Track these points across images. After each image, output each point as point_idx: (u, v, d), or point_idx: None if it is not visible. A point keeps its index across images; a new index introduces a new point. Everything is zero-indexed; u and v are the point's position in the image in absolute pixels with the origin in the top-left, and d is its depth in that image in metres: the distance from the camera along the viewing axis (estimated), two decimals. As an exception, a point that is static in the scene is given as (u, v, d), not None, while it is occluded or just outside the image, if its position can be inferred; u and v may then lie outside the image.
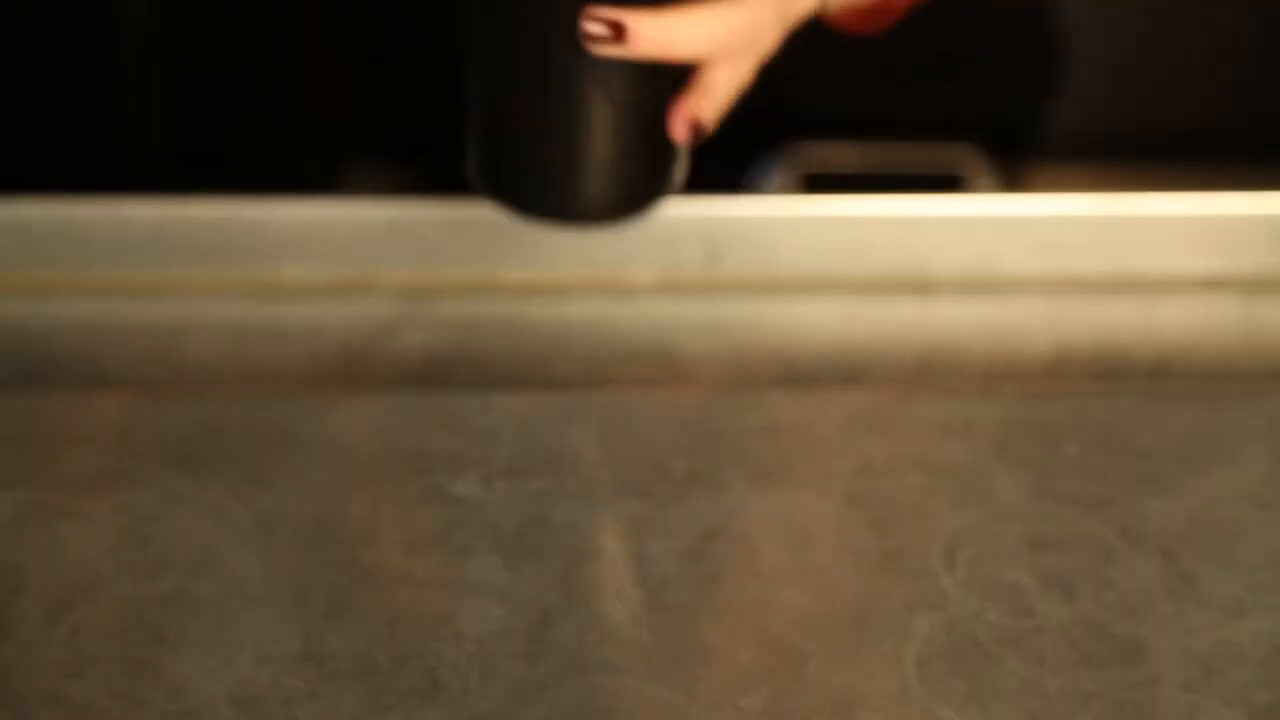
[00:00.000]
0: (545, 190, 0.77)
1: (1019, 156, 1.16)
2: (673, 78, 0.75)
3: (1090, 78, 1.21)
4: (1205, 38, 1.24)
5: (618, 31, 0.71)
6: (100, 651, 0.70)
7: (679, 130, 0.74)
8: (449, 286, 0.89)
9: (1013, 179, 1.15)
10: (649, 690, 0.68)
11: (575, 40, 0.72)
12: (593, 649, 0.70)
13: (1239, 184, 0.90)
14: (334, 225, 0.90)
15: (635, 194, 0.77)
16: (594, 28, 0.71)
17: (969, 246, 0.89)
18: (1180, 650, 0.70)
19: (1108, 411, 0.79)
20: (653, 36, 0.71)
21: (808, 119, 1.01)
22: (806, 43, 0.75)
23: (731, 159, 1.01)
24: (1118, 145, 1.24)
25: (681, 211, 0.86)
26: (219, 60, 1.26)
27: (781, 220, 0.87)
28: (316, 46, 1.17)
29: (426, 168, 1.15)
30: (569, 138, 0.75)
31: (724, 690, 0.69)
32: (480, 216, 0.89)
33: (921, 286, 0.89)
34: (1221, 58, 1.24)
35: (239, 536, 0.75)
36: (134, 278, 0.90)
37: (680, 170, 0.78)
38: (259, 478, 0.78)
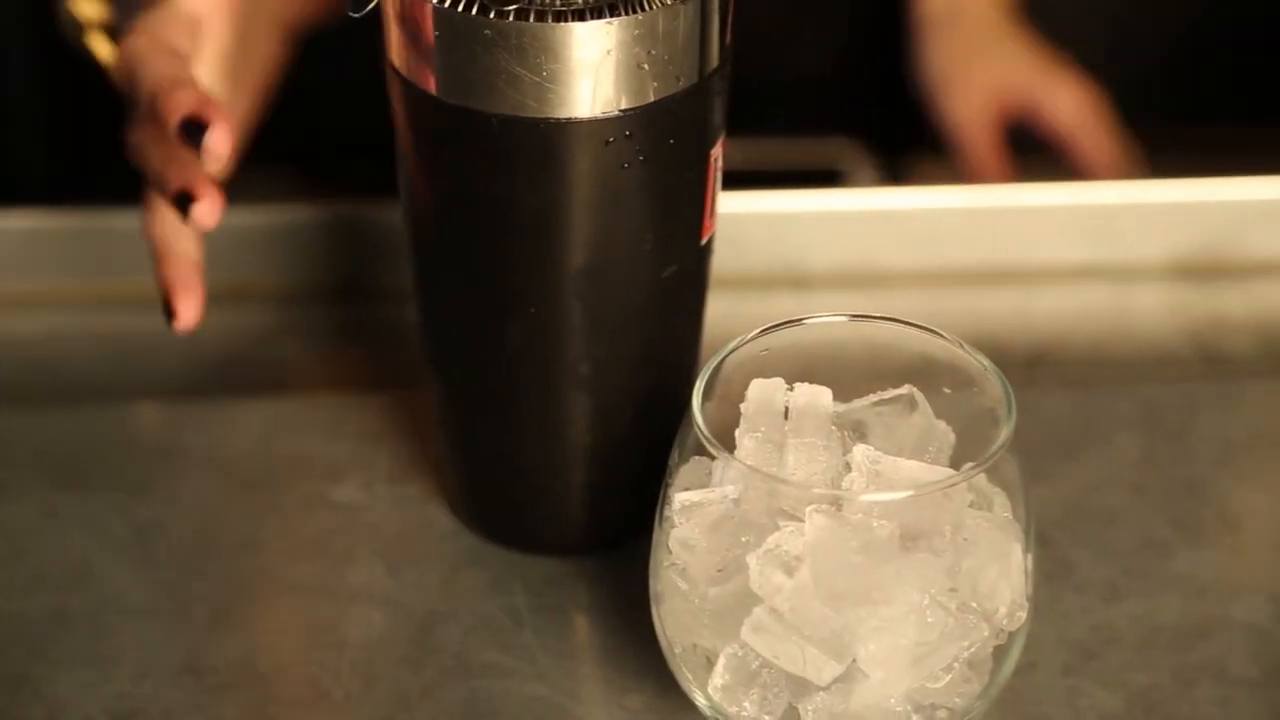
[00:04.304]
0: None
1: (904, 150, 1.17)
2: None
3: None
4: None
5: None
6: (-23, 669, 0.69)
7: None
8: (326, 292, 0.89)
9: (896, 172, 1.16)
10: (533, 691, 0.69)
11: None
12: (476, 652, 0.70)
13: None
14: (211, 233, 0.89)
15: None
16: None
17: (845, 241, 0.89)
18: (1058, 635, 0.70)
19: (983, 400, 0.80)
20: None
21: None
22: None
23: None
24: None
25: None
26: (92, 70, 1.25)
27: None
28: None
29: (307, 174, 1.14)
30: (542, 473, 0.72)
31: (608, 689, 0.69)
32: (358, 220, 0.89)
33: (798, 281, 0.89)
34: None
35: (118, 549, 0.74)
36: (9, 290, 0.89)
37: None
38: (138, 489, 0.77)
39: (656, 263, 0.68)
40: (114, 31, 0.79)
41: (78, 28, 0.80)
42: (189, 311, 0.70)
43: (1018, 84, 1.04)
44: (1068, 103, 1.03)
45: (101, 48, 0.80)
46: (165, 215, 0.72)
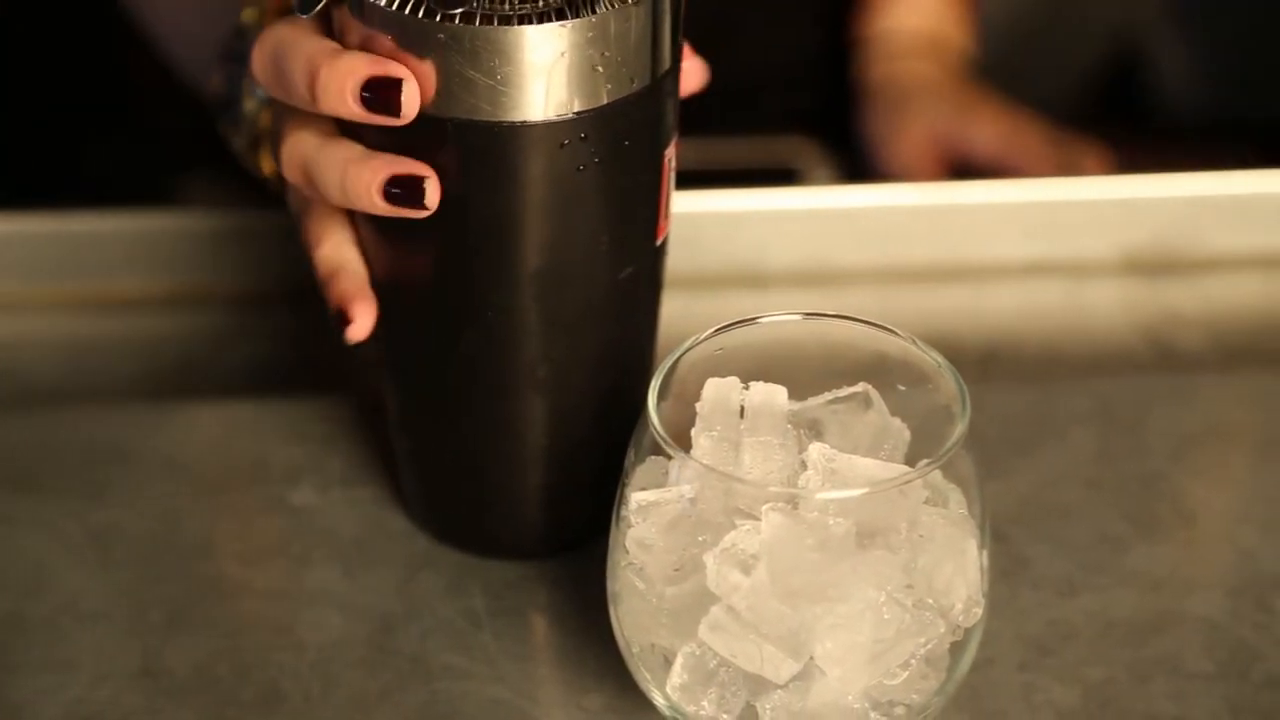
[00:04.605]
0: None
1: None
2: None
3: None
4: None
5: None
6: (-67, 677, 0.69)
7: None
8: (281, 296, 0.89)
9: (851, 170, 1.17)
10: (492, 693, 0.69)
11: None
12: (435, 654, 0.70)
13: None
14: (167, 237, 0.89)
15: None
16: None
17: (799, 239, 0.89)
18: (1014, 631, 0.71)
19: (938, 397, 0.81)
20: None
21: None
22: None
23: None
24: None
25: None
26: (55, 75, 1.24)
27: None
28: (155, 61, 1.16)
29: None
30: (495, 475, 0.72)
31: (567, 690, 0.69)
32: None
33: (753, 280, 0.90)
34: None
35: (74, 554, 0.74)
36: (-37, 294, 0.89)
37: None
38: (94, 494, 0.77)
39: (612, 264, 0.69)
40: (274, 136, 0.78)
41: (255, 136, 0.80)
42: (367, 320, 0.70)
43: (941, 131, 1.10)
44: (987, 132, 1.09)
45: (267, 163, 0.80)
46: (333, 235, 0.70)
